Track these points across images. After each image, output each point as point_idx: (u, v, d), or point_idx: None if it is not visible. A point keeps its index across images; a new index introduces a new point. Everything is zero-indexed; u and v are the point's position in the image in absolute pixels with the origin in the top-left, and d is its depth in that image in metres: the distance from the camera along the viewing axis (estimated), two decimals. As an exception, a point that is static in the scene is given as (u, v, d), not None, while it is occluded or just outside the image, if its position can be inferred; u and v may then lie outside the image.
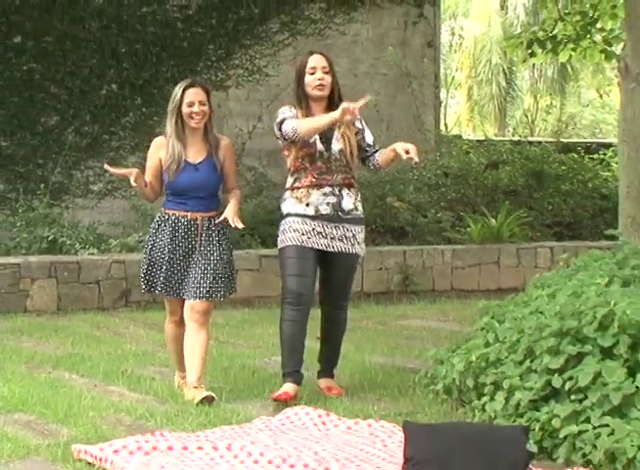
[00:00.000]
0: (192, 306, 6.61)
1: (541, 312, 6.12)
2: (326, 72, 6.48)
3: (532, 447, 5.22)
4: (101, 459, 5.32)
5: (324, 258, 6.65)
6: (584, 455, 5.18)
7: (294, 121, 6.45)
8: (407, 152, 6.40)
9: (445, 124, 25.12)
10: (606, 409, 5.30)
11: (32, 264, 10.94)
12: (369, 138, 6.70)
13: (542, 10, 15.93)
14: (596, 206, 15.02)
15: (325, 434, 5.88)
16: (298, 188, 6.58)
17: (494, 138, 21.41)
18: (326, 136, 6.48)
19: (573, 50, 15.26)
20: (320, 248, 6.52)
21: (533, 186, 15.28)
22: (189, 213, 6.63)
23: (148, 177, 6.68)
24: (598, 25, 14.87)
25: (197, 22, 14.82)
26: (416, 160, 6.47)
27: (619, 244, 8.07)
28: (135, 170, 6.53)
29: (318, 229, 6.48)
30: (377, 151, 6.70)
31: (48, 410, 6.37)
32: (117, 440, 5.61)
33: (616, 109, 20.27)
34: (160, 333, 9.52)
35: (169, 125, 6.57)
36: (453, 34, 33.29)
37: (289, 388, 6.48)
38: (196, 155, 6.61)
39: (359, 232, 6.68)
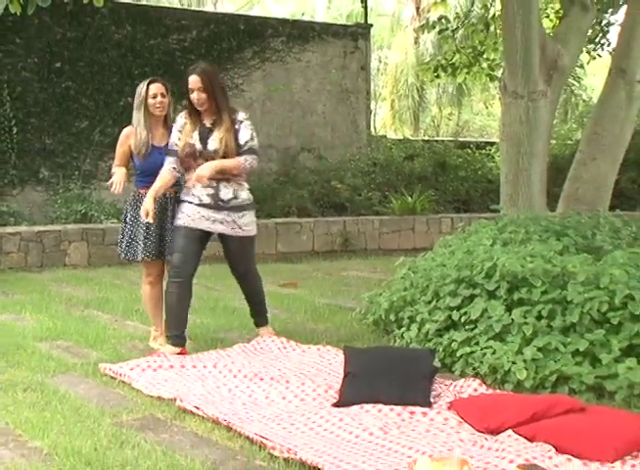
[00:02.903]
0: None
1: (444, 265, 6.14)
2: (200, 91, 5.80)
3: (437, 364, 5.28)
4: (121, 374, 5.33)
5: (220, 237, 6.10)
6: (474, 369, 5.25)
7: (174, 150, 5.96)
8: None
9: (374, 127, 25.03)
10: (490, 335, 5.36)
11: (69, 231, 10.88)
12: (242, 139, 5.90)
13: (444, 44, 15.88)
14: (484, 188, 15.07)
15: (286, 355, 5.90)
16: (187, 181, 5.97)
17: (410, 138, 21.45)
18: (204, 137, 5.88)
19: (467, 73, 15.37)
20: (202, 228, 5.93)
21: (439, 173, 15.33)
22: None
23: (117, 161, 6.21)
24: (484, 56, 14.96)
25: (190, 51, 14.70)
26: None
27: (500, 215, 8.13)
28: (123, 172, 6.08)
29: (202, 213, 5.90)
30: (248, 149, 5.90)
31: (81, 338, 6.36)
32: (133, 360, 5.63)
33: (497, 116, 20.38)
34: (166, 281, 9.51)
35: (136, 116, 6.09)
36: (380, 61, 33.13)
37: (170, 350, 5.85)
38: (160, 139, 6.13)
39: (239, 218, 5.96)
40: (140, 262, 6.25)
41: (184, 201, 5.99)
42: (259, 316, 6.44)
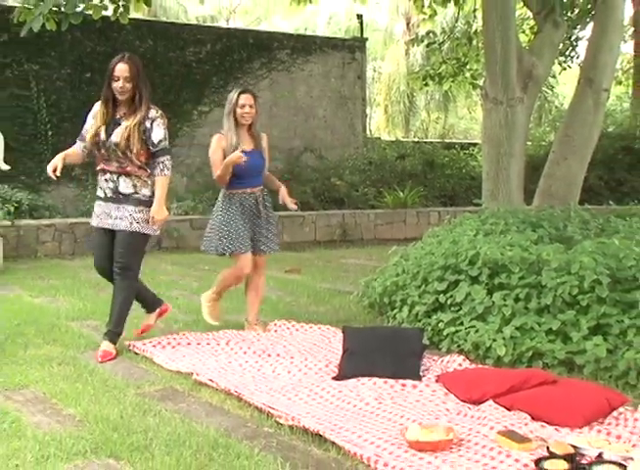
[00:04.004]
0: (264, 259, 6.01)
1: (432, 254, 6.13)
2: (126, 80, 5.21)
3: (426, 342, 5.26)
4: (144, 350, 5.34)
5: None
6: (459, 346, 5.24)
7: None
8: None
9: (370, 130, 24.98)
10: (473, 316, 5.35)
11: (98, 223, 10.82)
12: (155, 137, 5.29)
13: (432, 56, 15.87)
14: (467, 184, 15.07)
15: (290, 334, 5.90)
16: (96, 172, 5.49)
17: (402, 139, 21.41)
18: (109, 129, 5.26)
19: (452, 82, 15.37)
20: (107, 227, 5.37)
21: (427, 171, 15.33)
22: (248, 189, 5.84)
23: (217, 168, 5.72)
24: (468, 67, 14.96)
25: (205, 62, 14.69)
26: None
27: (482, 209, 8.10)
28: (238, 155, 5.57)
29: (107, 211, 5.35)
30: (162, 149, 5.31)
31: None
32: (154, 338, 5.62)
33: (479, 120, 20.37)
34: (183, 268, 9.52)
35: (226, 123, 5.79)
36: (374, 71, 33.06)
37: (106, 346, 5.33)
38: (248, 145, 5.82)
39: (136, 212, 5.29)
40: (232, 256, 5.88)
41: (96, 197, 5.53)
42: (108, 329, 5.45)
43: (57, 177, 5.27)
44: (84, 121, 5.48)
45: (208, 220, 6.07)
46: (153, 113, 5.35)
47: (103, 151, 5.31)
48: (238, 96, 5.79)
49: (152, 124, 5.32)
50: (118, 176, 5.32)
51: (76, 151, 5.49)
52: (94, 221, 5.51)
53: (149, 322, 5.82)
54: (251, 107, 5.81)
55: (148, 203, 5.35)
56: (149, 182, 5.36)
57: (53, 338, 5.69)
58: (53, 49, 13.12)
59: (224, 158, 5.71)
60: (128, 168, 5.30)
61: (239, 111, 5.78)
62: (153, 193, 5.36)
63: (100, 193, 5.46)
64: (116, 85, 5.23)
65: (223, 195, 5.93)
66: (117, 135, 5.24)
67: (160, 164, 5.34)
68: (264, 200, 5.96)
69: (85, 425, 3.84)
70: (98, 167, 5.43)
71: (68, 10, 8.77)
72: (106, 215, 5.38)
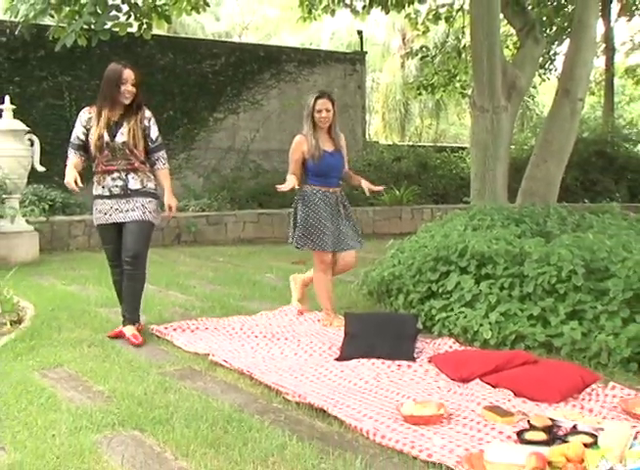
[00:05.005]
0: (353, 255, 5.69)
1: (426, 246, 6.11)
2: (133, 85, 5.14)
3: (420, 326, 5.26)
4: (165, 334, 5.34)
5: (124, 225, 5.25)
6: (449, 330, 5.23)
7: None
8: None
9: (369, 135, 24.93)
10: (462, 303, 5.33)
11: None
12: (153, 135, 5.21)
13: (425, 68, 15.87)
14: (457, 184, 15.00)
15: (299, 320, 5.89)
16: (96, 173, 5.23)
17: (398, 143, 21.39)
18: (112, 130, 5.11)
19: (444, 91, 15.40)
20: (119, 221, 5.19)
21: (421, 172, 15.27)
22: (330, 189, 5.56)
23: (292, 168, 5.53)
24: (457, 78, 14.96)
25: (220, 73, 14.68)
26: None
27: (471, 206, 8.09)
28: (293, 180, 5.38)
29: (116, 206, 5.17)
30: (159, 144, 5.26)
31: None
32: (174, 322, 5.62)
33: (468, 126, 20.36)
34: (200, 260, 9.52)
35: (305, 126, 5.50)
36: (373, 81, 32.97)
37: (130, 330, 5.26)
38: (329, 146, 5.54)
39: (147, 203, 5.19)
40: (315, 252, 5.61)
41: (96, 196, 5.28)
42: (129, 316, 5.36)
43: (79, 188, 5.07)
44: None
45: (291, 216, 5.75)
46: (147, 112, 5.25)
47: (106, 152, 5.13)
48: (315, 101, 5.48)
49: (149, 123, 5.23)
50: (127, 173, 5.18)
51: (77, 161, 5.23)
52: (101, 219, 5.27)
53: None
54: (327, 110, 5.49)
55: (154, 195, 5.29)
56: (151, 176, 5.29)
57: (83, 322, 5.70)
58: (84, 63, 13.11)
59: (302, 158, 5.51)
60: (136, 165, 5.18)
61: (316, 115, 5.48)
62: (155, 186, 5.30)
63: (104, 192, 5.22)
64: (125, 89, 5.09)
65: (307, 189, 5.58)
66: (124, 135, 5.12)
67: (161, 159, 5.28)
68: (343, 199, 5.67)
69: (113, 400, 3.85)
70: (98, 169, 5.21)
71: (97, 27, 8.88)
72: (116, 211, 5.20)
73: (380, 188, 5.78)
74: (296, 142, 5.56)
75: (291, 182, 5.35)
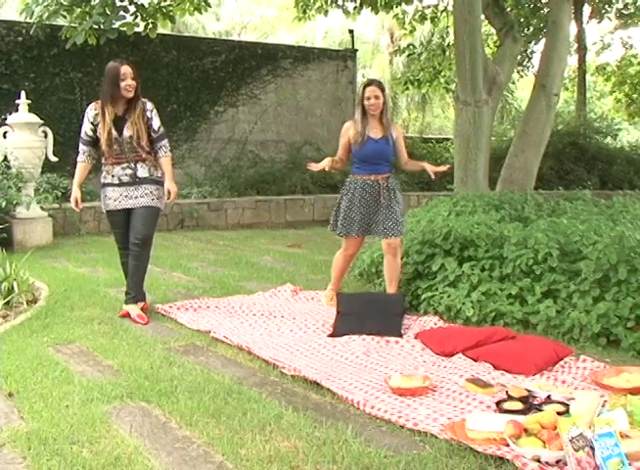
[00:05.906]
0: (389, 243, 5.30)
1: (412, 231, 6.10)
2: (132, 79, 5.03)
3: (407, 305, 5.26)
4: (169, 313, 5.32)
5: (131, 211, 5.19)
6: (434, 308, 5.23)
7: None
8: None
9: (359, 128, 24.88)
10: (446, 283, 5.34)
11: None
12: (155, 125, 5.13)
13: (412, 64, 15.81)
14: (442, 173, 14.97)
15: (294, 299, 5.88)
16: (105, 164, 5.16)
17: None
18: (119, 126, 5.05)
19: (429, 86, 15.33)
20: (129, 207, 5.14)
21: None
22: (372, 176, 5.30)
23: (340, 151, 5.41)
24: (442, 74, 14.89)
25: (220, 69, 14.56)
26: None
27: (454, 193, 8.10)
28: (328, 160, 5.20)
29: (125, 193, 5.12)
30: (162, 134, 5.17)
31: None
32: (178, 302, 5.61)
33: (452, 119, 20.32)
34: (202, 243, 9.49)
35: (356, 112, 5.30)
36: (363, 77, 32.74)
37: (133, 309, 5.23)
38: (376, 133, 5.25)
39: (155, 190, 5.14)
40: (347, 238, 5.43)
41: (106, 184, 5.20)
42: (132, 294, 5.32)
43: (79, 209, 5.20)
44: None
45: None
46: (149, 104, 5.17)
47: (116, 146, 5.08)
48: (364, 89, 5.24)
49: (151, 114, 5.15)
50: (136, 163, 5.12)
51: (84, 169, 5.25)
52: (111, 205, 5.20)
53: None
54: (376, 97, 5.20)
55: (161, 182, 5.20)
56: (157, 165, 5.22)
57: (94, 301, 5.68)
58: (94, 60, 12.97)
59: (348, 143, 5.34)
60: (143, 156, 5.12)
61: (366, 103, 5.22)
62: (162, 174, 5.21)
63: (113, 180, 5.16)
64: (125, 84, 4.99)
65: (349, 179, 5.45)
66: (129, 129, 5.05)
67: (163, 147, 5.20)
68: (388, 186, 5.33)
69: (121, 374, 3.84)
70: (108, 161, 5.15)
71: (106, 27, 8.88)
72: (125, 198, 5.14)
73: (444, 168, 5.49)
74: (345, 127, 5.42)
75: (323, 163, 5.16)
